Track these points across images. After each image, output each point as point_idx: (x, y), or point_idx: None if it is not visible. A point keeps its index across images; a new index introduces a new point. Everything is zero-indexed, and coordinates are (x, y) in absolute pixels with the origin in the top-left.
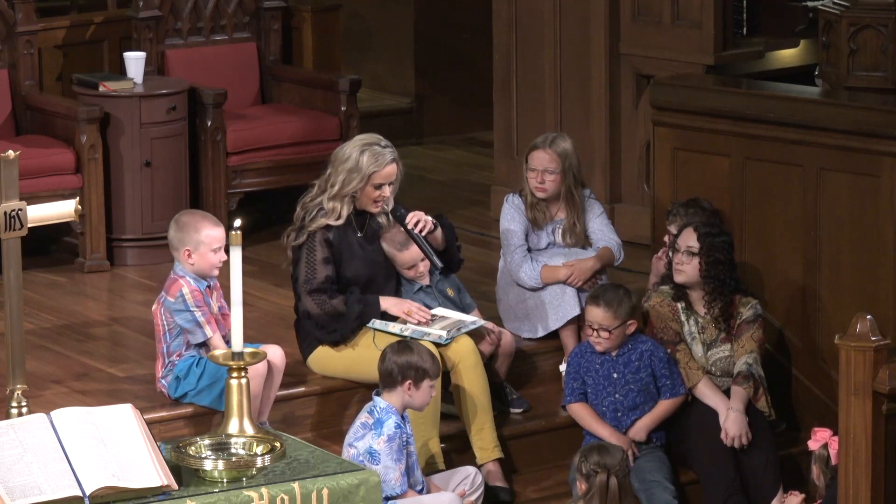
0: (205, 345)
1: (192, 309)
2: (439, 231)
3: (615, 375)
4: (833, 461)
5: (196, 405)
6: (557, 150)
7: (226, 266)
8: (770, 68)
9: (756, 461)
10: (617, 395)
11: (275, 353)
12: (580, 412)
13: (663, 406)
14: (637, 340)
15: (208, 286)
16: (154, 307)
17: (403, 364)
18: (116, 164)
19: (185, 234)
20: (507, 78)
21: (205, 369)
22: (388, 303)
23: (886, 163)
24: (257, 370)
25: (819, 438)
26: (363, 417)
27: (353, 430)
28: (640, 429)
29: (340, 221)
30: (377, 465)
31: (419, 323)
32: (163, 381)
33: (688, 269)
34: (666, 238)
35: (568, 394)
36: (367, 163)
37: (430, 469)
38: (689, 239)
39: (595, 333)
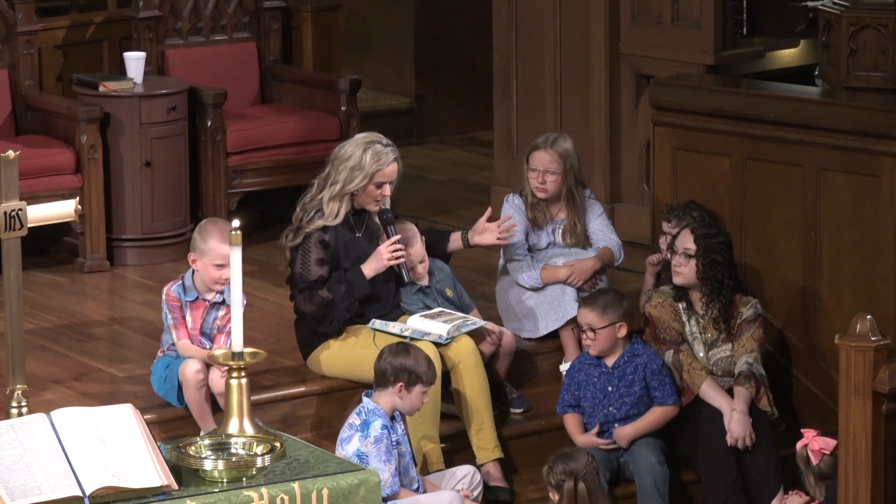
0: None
1: (165, 311)
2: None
3: (610, 389)
4: (814, 461)
5: None
6: (559, 150)
7: (226, 267)
8: (770, 68)
9: (757, 461)
10: (611, 408)
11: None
12: (566, 422)
13: (652, 414)
14: (633, 353)
15: (202, 299)
16: None
17: (398, 366)
18: (116, 164)
19: (198, 241)
20: (507, 78)
21: (170, 372)
22: (368, 267)
23: (886, 163)
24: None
25: (805, 439)
26: (352, 418)
27: (343, 430)
28: (623, 436)
29: (338, 221)
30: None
31: (397, 259)
32: (152, 375)
33: (685, 271)
34: (661, 240)
35: (559, 403)
36: (370, 161)
37: (429, 469)
38: (686, 241)
39: (584, 335)
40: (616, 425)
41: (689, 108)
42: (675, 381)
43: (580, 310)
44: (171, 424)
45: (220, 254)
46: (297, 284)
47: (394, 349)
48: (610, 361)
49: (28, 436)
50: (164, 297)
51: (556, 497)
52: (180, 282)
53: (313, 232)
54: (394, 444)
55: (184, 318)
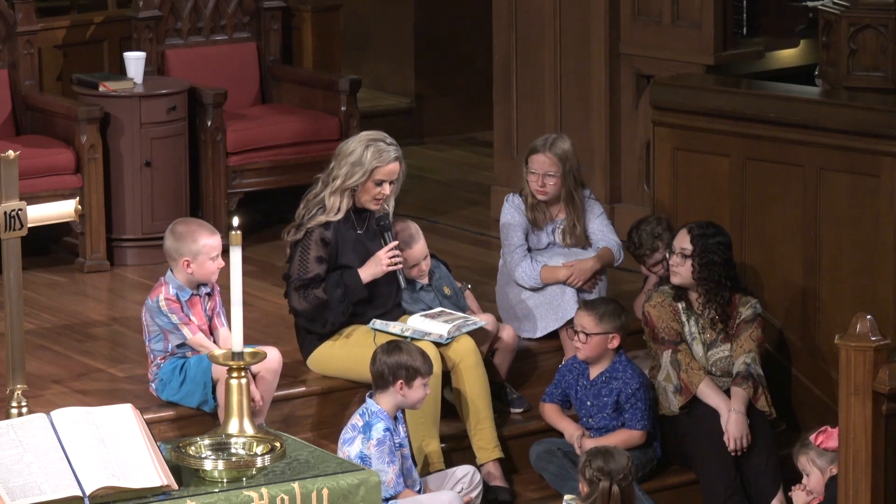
0: (189, 347)
1: (166, 315)
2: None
3: (589, 403)
4: (818, 442)
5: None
6: (558, 152)
7: (226, 266)
8: (770, 68)
9: (756, 461)
10: (590, 420)
11: (272, 356)
12: (547, 411)
13: (618, 435)
14: (612, 374)
15: (196, 295)
16: (143, 309)
17: (394, 364)
18: (116, 164)
19: (183, 245)
20: (507, 78)
21: (186, 375)
22: (366, 272)
23: (886, 163)
24: (271, 369)
25: (831, 434)
26: (354, 419)
27: (345, 430)
28: (585, 449)
29: (339, 216)
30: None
31: (396, 265)
32: (152, 384)
33: (682, 271)
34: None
35: (546, 393)
36: (371, 158)
37: (429, 469)
38: (683, 241)
39: (576, 337)
40: (590, 434)
41: (689, 108)
42: (650, 406)
43: (578, 311)
44: (172, 424)
45: (213, 245)
46: (293, 282)
47: (385, 349)
48: (593, 373)
49: (28, 436)
50: (159, 304)
51: (585, 490)
52: (169, 285)
53: (315, 228)
54: (397, 445)
55: (188, 315)
